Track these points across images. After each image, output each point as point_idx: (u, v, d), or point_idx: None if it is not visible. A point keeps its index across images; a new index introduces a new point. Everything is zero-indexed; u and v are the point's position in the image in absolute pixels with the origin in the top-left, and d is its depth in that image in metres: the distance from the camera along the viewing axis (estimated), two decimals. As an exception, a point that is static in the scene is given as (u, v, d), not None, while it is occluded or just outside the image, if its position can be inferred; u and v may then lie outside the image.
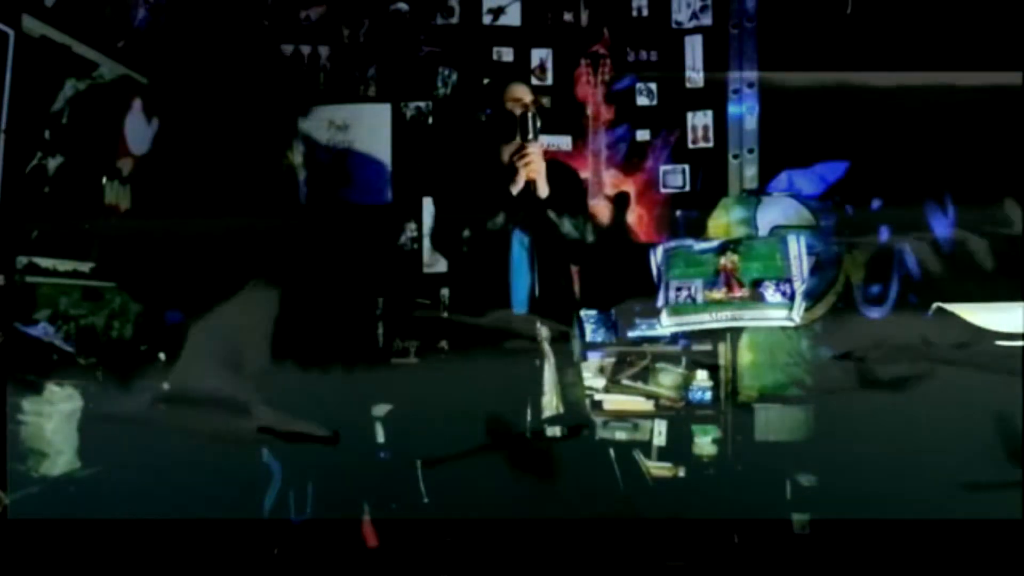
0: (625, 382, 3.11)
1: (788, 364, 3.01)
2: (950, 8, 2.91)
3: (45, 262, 2.61)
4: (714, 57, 3.27)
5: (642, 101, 3.33)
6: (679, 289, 2.89)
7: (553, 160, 2.57)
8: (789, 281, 2.81)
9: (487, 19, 3.37)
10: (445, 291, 3.14)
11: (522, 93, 2.54)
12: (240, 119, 3.22)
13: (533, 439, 2.43)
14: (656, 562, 2.47)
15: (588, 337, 3.15)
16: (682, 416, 3.07)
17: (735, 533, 2.57)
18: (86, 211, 2.84)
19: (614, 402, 3.10)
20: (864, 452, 2.55)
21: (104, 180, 2.93)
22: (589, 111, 3.31)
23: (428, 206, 3.21)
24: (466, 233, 2.46)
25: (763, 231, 3.03)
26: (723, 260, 2.87)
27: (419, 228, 3.31)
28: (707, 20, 3.29)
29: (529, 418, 2.41)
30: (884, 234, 2.97)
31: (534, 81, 3.28)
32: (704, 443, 3.02)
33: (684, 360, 3.13)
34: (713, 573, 2.49)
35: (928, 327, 2.68)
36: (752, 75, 3.22)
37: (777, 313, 2.82)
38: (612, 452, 2.99)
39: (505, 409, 2.41)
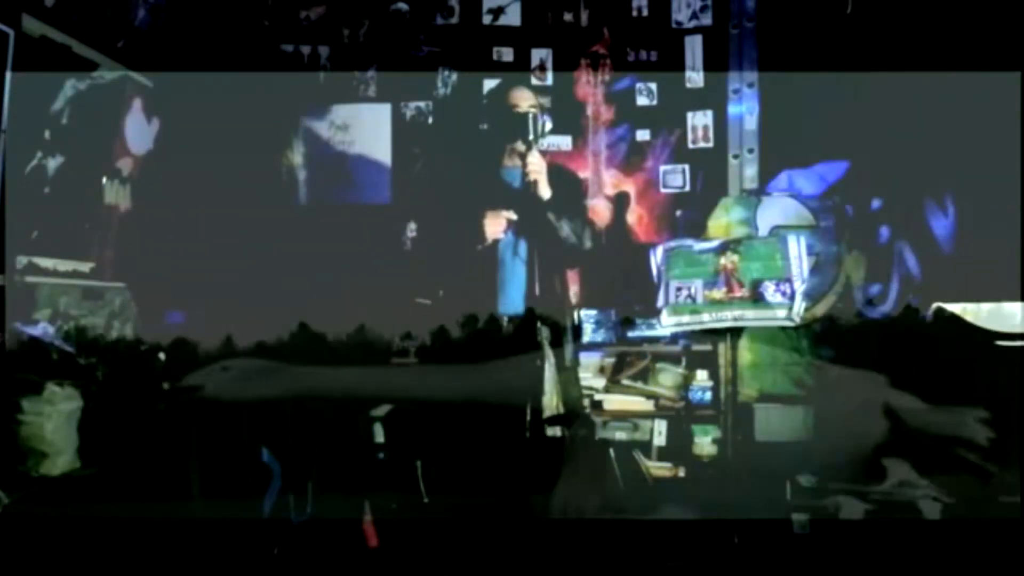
0: (625, 382, 3.11)
1: (788, 364, 3.01)
2: (950, 7, 2.91)
3: (45, 262, 2.61)
4: (714, 57, 3.27)
5: (642, 101, 3.33)
6: (679, 289, 2.89)
7: (553, 163, 2.57)
8: (789, 281, 2.81)
9: (487, 19, 3.36)
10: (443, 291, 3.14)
11: (525, 97, 2.55)
12: (240, 119, 3.21)
13: (532, 439, 2.43)
14: (656, 562, 2.47)
15: (588, 337, 3.15)
16: (682, 416, 3.07)
17: (735, 533, 2.57)
18: (86, 211, 2.84)
19: (614, 402, 3.10)
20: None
21: (104, 180, 2.93)
22: (589, 111, 3.31)
23: (428, 206, 3.21)
24: (464, 233, 2.46)
25: (763, 231, 3.03)
26: (723, 260, 2.87)
27: (419, 228, 3.30)
28: (707, 20, 3.29)
29: (529, 418, 2.41)
30: (884, 234, 2.98)
31: (534, 81, 3.27)
32: (704, 443, 3.01)
33: (684, 360, 3.13)
34: (713, 573, 2.48)
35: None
36: (752, 75, 3.22)
37: (777, 313, 2.82)
38: (612, 452, 2.99)
39: (505, 409, 2.41)
